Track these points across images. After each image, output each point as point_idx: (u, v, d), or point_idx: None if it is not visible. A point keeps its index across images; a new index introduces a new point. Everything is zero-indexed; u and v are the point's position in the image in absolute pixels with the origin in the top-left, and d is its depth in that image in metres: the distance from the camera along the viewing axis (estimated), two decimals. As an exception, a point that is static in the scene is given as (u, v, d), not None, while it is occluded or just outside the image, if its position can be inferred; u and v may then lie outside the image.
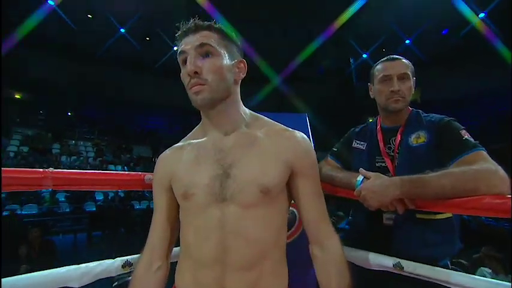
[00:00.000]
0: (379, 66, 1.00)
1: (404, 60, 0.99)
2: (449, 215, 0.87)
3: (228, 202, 0.63)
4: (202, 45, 0.63)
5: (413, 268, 0.76)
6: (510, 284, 0.63)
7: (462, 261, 2.32)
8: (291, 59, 11.62)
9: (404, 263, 0.77)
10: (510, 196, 0.62)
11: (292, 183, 0.69)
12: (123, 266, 0.76)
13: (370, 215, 0.88)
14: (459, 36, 11.24)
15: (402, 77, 0.95)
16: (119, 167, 10.13)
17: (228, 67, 0.66)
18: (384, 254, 0.84)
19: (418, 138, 0.91)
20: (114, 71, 13.04)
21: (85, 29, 11.15)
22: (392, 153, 0.96)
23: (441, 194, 0.69)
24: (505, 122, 9.02)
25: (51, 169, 0.66)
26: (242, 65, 0.71)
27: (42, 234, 3.83)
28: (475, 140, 0.81)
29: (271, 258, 0.65)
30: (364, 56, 13.49)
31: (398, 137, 0.96)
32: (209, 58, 0.64)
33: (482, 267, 2.38)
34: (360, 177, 0.85)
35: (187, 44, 0.64)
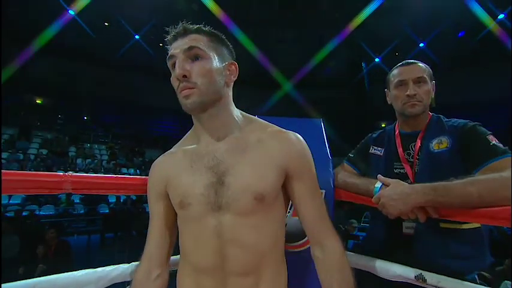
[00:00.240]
0: (394, 71, 0.99)
1: (420, 64, 0.97)
2: (477, 224, 0.82)
3: (223, 211, 0.62)
4: (190, 48, 0.63)
5: (437, 281, 0.72)
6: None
7: (484, 273, 2.20)
8: (302, 64, 11.61)
9: (427, 275, 0.73)
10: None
11: (288, 186, 0.68)
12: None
13: (388, 223, 0.85)
14: (476, 39, 10.89)
15: (418, 81, 0.93)
16: (132, 170, 10.35)
17: (217, 70, 0.65)
18: (404, 265, 0.80)
19: (440, 144, 0.87)
20: (128, 77, 13.43)
21: (102, 36, 11.57)
22: (411, 160, 0.93)
23: (467, 203, 0.66)
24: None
25: (70, 173, 0.68)
26: (233, 67, 0.70)
27: (58, 235, 3.94)
28: (504, 146, 0.77)
29: (269, 262, 0.65)
30: (377, 60, 13.30)
31: (418, 143, 0.92)
32: (198, 61, 0.63)
33: (506, 281, 2.25)
34: (378, 184, 0.82)
35: (176, 48, 0.64)
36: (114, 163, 10.41)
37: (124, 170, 10.20)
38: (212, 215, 0.63)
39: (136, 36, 12.04)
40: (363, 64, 13.62)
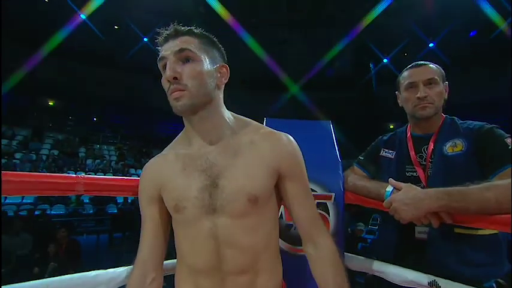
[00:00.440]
0: (404, 74, 0.97)
1: (431, 65, 0.95)
2: (494, 230, 0.80)
3: (218, 213, 0.63)
4: (181, 50, 0.62)
5: (451, 288, 0.70)
6: None
7: (500, 280, 2.13)
8: (309, 65, 11.56)
9: (442, 281, 0.71)
10: None
11: (280, 186, 0.69)
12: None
13: (400, 227, 0.83)
14: (489, 38, 10.60)
15: (429, 83, 0.91)
16: (140, 171, 10.45)
17: (208, 72, 0.64)
18: (416, 271, 0.78)
19: (454, 147, 0.85)
20: (137, 79, 13.64)
21: (111, 39, 11.79)
22: (424, 163, 0.91)
23: (484, 209, 0.64)
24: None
25: (83, 175, 0.69)
26: (224, 69, 0.69)
27: (68, 234, 4.02)
28: None
29: (265, 260, 0.67)
30: (385, 60, 13.12)
31: (431, 146, 0.90)
32: (189, 63, 0.63)
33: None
34: (390, 188, 0.81)
35: (166, 50, 0.64)
36: (123, 164, 10.57)
37: (132, 170, 10.34)
38: (207, 217, 0.63)
39: (145, 39, 12.23)
40: (371, 65, 13.45)
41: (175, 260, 0.73)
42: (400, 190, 0.77)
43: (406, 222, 0.74)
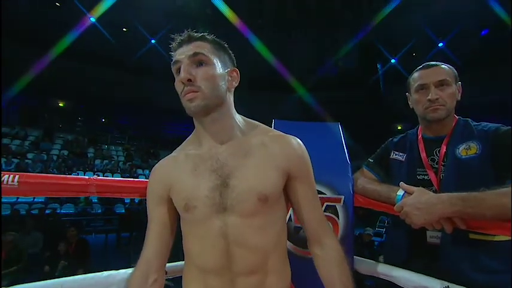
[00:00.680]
0: (415, 75, 0.96)
1: (443, 66, 0.93)
2: (510, 237, 0.78)
3: (228, 212, 0.64)
4: (195, 54, 0.65)
5: (465, 295, 0.68)
6: None
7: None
8: (317, 66, 11.50)
9: (455, 287, 0.70)
10: None
11: (289, 188, 0.70)
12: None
13: (411, 231, 0.82)
14: (502, 37, 10.33)
15: (441, 84, 0.89)
16: (147, 171, 10.60)
17: (220, 75, 0.67)
18: (427, 275, 0.77)
19: (468, 150, 0.83)
20: (145, 80, 13.83)
21: (120, 41, 12.00)
22: (436, 166, 0.89)
23: (501, 215, 0.62)
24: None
25: (95, 177, 0.70)
26: (235, 73, 0.72)
27: (78, 233, 4.09)
28: None
29: (274, 260, 0.67)
30: (393, 61, 12.95)
31: (443, 148, 0.89)
32: (202, 67, 0.65)
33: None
34: (401, 192, 0.80)
35: (181, 54, 0.66)
36: (130, 164, 10.71)
37: (139, 171, 10.47)
38: (217, 216, 0.64)
39: (153, 41, 12.40)
40: (379, 65, 13.30)
41: (180, 262, 0.73)
42: (411, 194, 0.76)
43: (417, 227, 0.73)
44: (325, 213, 0.85)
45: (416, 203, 0.72)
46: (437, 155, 0.90)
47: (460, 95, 0.92)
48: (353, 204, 0.96)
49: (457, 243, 0.79)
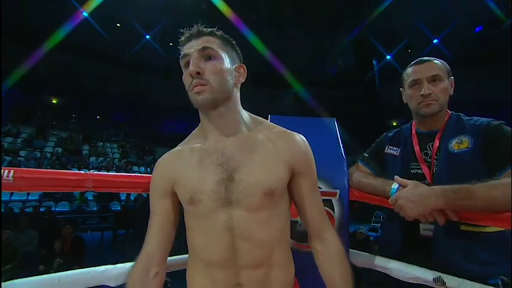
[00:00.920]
0: (408, 70, 0.97)
1: (436, 61, 0.94)
2: (500, 228, 0.79)
3: (234, 206, 0.64)
4: (204, 48, 0.66)
5: (457, 284, 0.70)
6: None
7: (504, 277, 2.13)
8: (313, 62, 11.49)
9: (447, 278, 0.72)
10: None
11: (293, 183, 0.71)
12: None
13: (405, 224, 0.83)
14: (496, 33, 10.43)
15: (433, 79, 0.90)
16: (142, 168, 10.55)
17: (228, 70, 0.68)
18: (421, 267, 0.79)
19: (460, 144, 0.85)
20: (139, 76, 13.68)
21: (114, 37, 11.81)
22: (429, 160, 0.90)
23: (491, 207, 0.64)
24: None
25: (92, 171, 0.70)
26: (242, 69, 0.73)
27: (73, 231, 4.07)
28: None
29: (278, 254, 0.68)
30: (388, 57, 13.01)
31: (436, 143, 0.90)
32: (211, 61, 0.66)
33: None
34: (395, 185, 0.81)
35: (190, 48, 0.67)
36: (126, 161, 10.64)
37: (135, 168, 10.41)
38: (223, 210, 0.64)
39: (147, 36, 12.24)
40: (374, 62, 13.35)
41: (178, 256, 0.73)
42: (405, 187, 0.77)
43: (411, 219, 0.75)
44: None
45: (410, 195, 0.73)
46: (430, 149, 0.91)
47: (452, 89, 0.94)
48: (348, 198, 0.97)
49: (449, 235, 0.81)
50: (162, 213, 0.70)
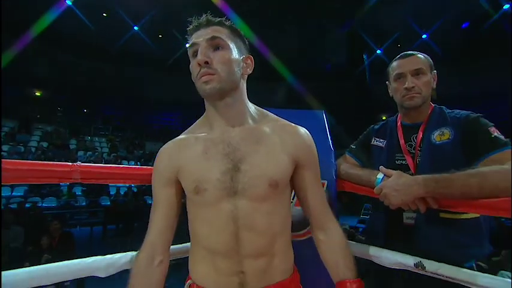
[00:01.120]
0: (393, 64, 0.99)
1: (419, 55, 0.97)
2: (476, 215, 0.84)
3: (239, 196, 0.65)
4: (213, 38, 0.66)
5: (435, 268, 0.74)
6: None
7: (481, 263, 2.25)
8: (303, 55, 11.48)
9: (426, 262, 0.75)
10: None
11: (296, 175, 0.73)
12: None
13: (389, 213, 0.87)
14: (481, 30, 10.69)
15: (417, 73, 0.93)
16: (132, 163, 10.38)
17: (236, 61, 0.68)
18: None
19: (441, 135, 0.88)
20: (128, 69, 13.32)
21: (100, 28, 11.41)
22: (413, 151, 0.94)
23: (468, 194, 0.67)
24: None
25: (79, 163, 0.69)
26: (249, 61, 0.73)
27: (61, 226, 3.99)
28: (505, 138, 0.78)
29: (280, 244, 0.70)
30: (378, 52, 13.15)
31: (420, 134, 0.93)
32: (219, 51, 0.66)
33: (502, 271, 2.30)
34: (380, 175, 0.84)
35: (198, 37, 0.67)
36: (115, 155, 10.44)
37: (125, 162, 10.22)
38: (228, 200, 0.65)
39: (135, 27, 11.89)
40: (364, 56, 13.47)
41: (183, 245, 0.74)
42: (390, 177, 0.80)
43: (395, 208, 0.78)
44: None
45: (394, 185, 0.76)
46: (414, 140, 0.94)
47: (435, 83, 0.97)
48: (336, 189, 1.00)
49: (430, 223, 0.85)
50: (166, 201, 0.70)
